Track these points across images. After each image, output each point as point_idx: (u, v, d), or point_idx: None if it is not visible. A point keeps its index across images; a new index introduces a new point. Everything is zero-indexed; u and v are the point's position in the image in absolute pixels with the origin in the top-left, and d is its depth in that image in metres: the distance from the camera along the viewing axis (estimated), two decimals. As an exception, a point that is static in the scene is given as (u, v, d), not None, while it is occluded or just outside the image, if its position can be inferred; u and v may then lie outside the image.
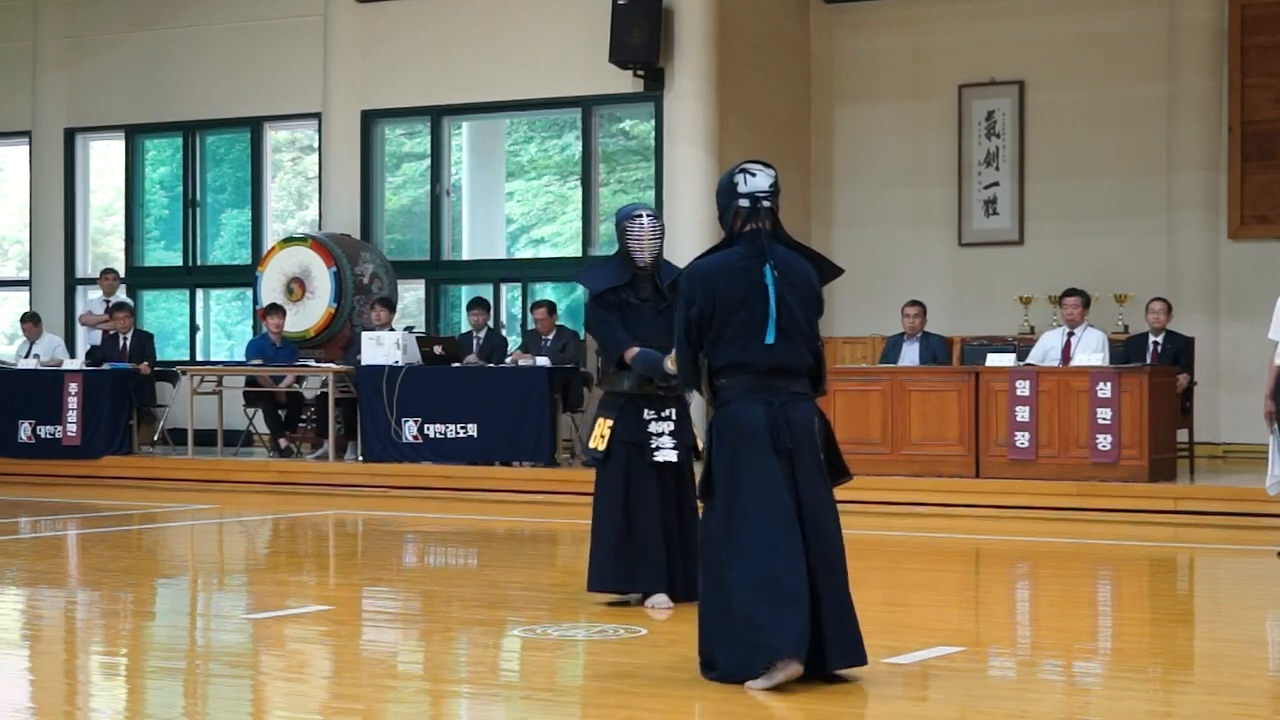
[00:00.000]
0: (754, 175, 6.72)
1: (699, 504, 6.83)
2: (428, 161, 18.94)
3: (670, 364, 8.03)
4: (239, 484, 16.08)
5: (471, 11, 18.41)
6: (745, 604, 6.42)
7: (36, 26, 20.63)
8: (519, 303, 18.76)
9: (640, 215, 8.35)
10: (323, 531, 12.93)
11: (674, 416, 8.37)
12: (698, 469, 6.97)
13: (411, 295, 19.31)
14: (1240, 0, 17.03)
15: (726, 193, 6.74)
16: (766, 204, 6.70)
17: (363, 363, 16.02)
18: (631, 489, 8.30)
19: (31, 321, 18.61)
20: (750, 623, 6.40)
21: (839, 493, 6.79)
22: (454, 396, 15.61)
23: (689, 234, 16.63)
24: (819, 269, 6.81)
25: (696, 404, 15.81)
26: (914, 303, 15.31)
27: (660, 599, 8.28)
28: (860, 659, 6.56)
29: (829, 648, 6.46)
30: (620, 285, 8.34)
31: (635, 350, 8.23)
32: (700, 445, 8.09)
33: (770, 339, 6.58)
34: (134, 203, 20.47)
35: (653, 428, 8.33)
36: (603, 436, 8.34)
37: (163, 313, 20.90)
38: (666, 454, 8.32)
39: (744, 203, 6.69)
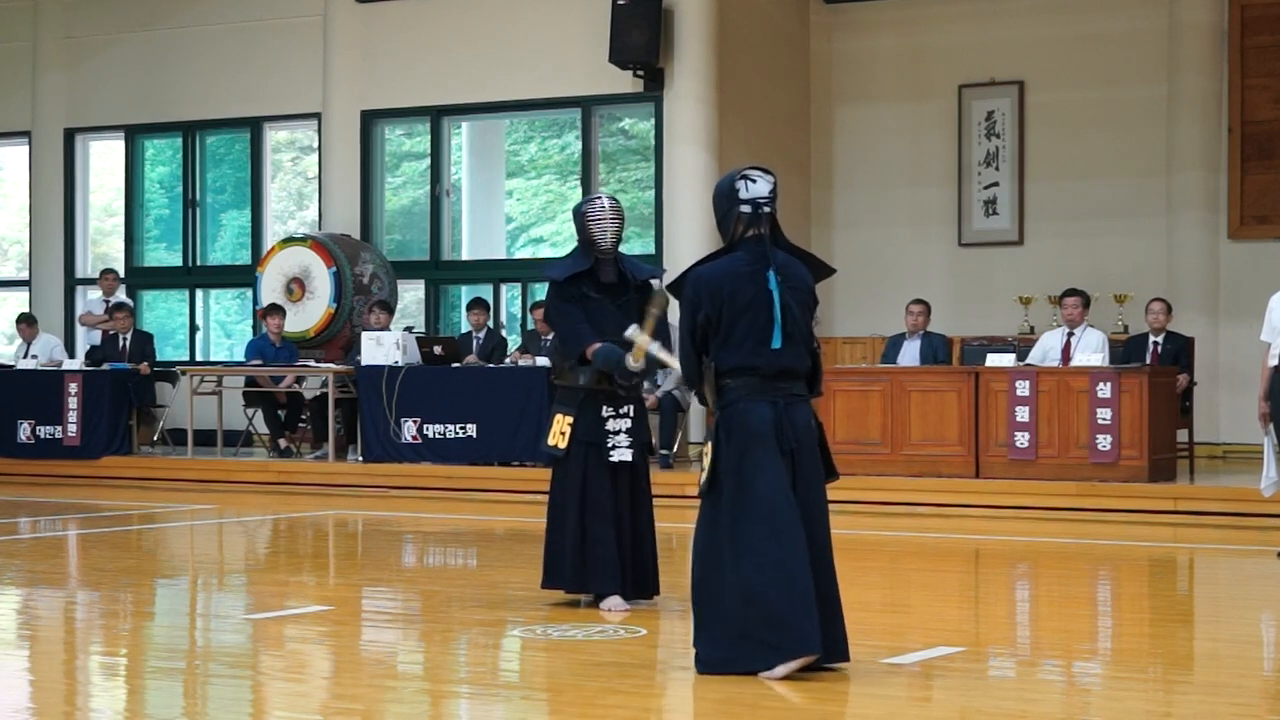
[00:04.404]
0: (755, 181, 6.79)
1: (700, 501, 6.85)
2: (427, 161, 18.94)
3: (632, 360, 7.99)
4: (239, 484, 16.07)
5: (471, 11, 18.41)
6: (761, 598, 6.49)
7: (36, 26, 20.63)
8: (519, 303, 18.77)
9: (599, 198, 8.33)
10: (323, 531, 12.93)
11: (631, 414, 8.30)
12: (692, 469, 6.96)
13: (411, 295, 19.31)
14: (1240, 0, 17.04)
15: (727, 198, 6.81)
16: (767, 210, 6.80)
17: (362, 363, 16.01)
18: (588, 490, 8.21)
19: (26, 323, 18.59)
20: (768, 616, 6.48)
21: (835, 491, 6.87)
22: (453, 397, 15.60)
23: (688, 234, 16.66)
24: (813, 270, 6.91)
25: (696, 412, 15.89)
26: (918, 301, 15.30)
27: (615, 601, 8.20)
28: (845, 656, 6.67)
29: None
30: (583, 272, 8.25)
31: (597, 346, 8.14)
32: (655, 442, 8.15)
33: (777, 344, 6.66)
34: (134, 203, 20.47)
35: (610, 425, 8.24)
36: (562, 434, 8.25)
37: (162, 313, 20.90)
38: (623, 454, 8.23)
39: (745, 209, 6.78)
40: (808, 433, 6.74)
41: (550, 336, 16.13)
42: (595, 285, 8.29)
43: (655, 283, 8.33)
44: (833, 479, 6.89)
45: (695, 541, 6.80)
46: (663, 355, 7.96)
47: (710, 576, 6.69)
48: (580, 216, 8.31)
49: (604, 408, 8.25)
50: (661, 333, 8.06)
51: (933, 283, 18.00)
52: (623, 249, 8.45)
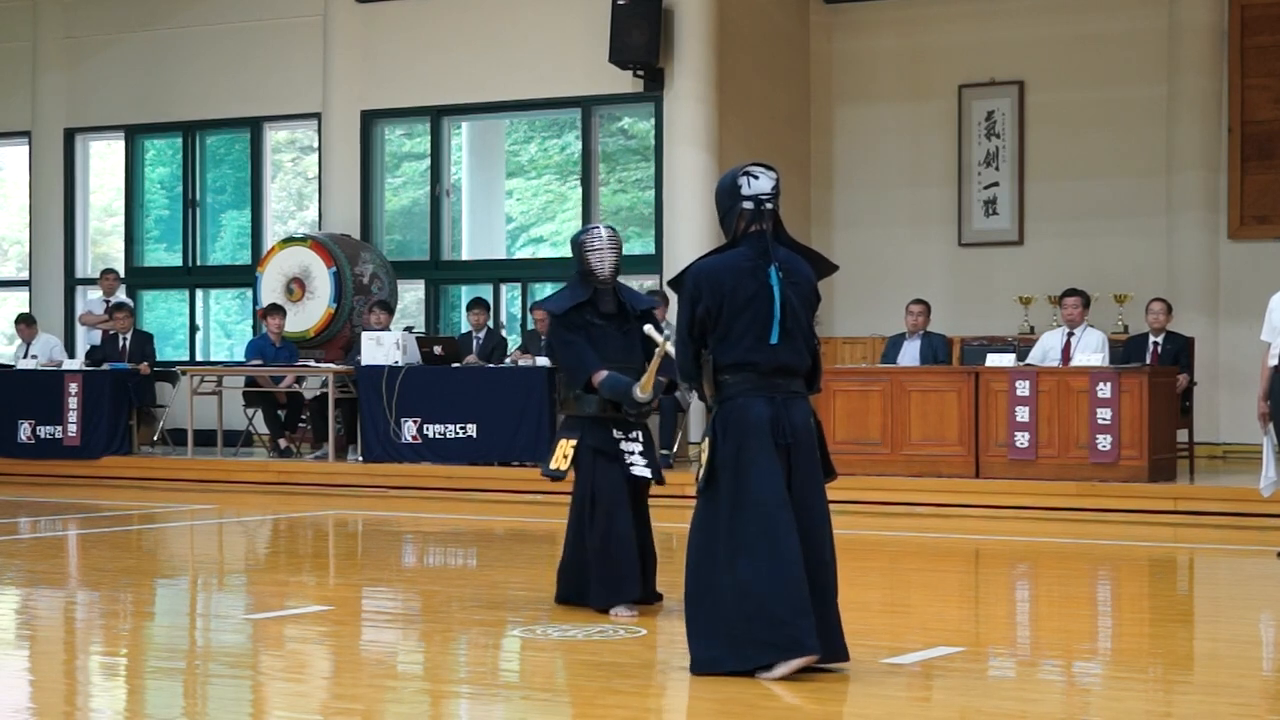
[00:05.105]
0: (757, 178, 6.77)
1: (696, 497, 6.83)
2: (428, 161, 18.94)
3: (639, 391, 7.95)
4: (239, 484, 16.07)
5: (471, 11, 18.42)
6: (757, 597, 6.47)
7: (36, 26, 20.63)
8: (519, 303, 18.77)
9: (596, 228, 8.29)
10: (323, 531, 12.93)
11: (640, 438, 8.27)
12: (692, 469, 6.95)
13: (411, 295, 19.31)
14: (1240, 0, 17.04)
15: (729, 194, 6.80)
16: (769, 206, 6.77)
17: (362, 363, 16.01)
18: (604, 496, 8.14)
19: (25, 323, 18.58)
20: (765, 615, 6.46)
21: (835, 491, 6.86)
22: (453, 397, 15.60)
23: (688, 234, 16.67)
24: (815, 267, 6.90)
25: (696, 412, 15.89)
26: (918, 301, 15.31)
27: (628, 612, 8.15)
28: (843, 655, 6.66)
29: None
30: (583, 303, 8.21)
31: (603, 375, 8.08)
32: (661, 469, 8.19)
33: (775, 339, 6.64)
34: (134, 203, 20.47)
35: (623, 445, 8.21)
36: (565, 456, 8.20)
37: (162, 313, 20.91)
38: (640, 470, 8.20)
39: (748, 205, 6.76)
40: (805, 430, 6.72)
41: (545, 342, 16.14)
42: (596, 314, 8.26)
43: (653, 333, 8.16)
44: (830, 478, 6.88)
45: (690, 539, 6.78)
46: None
47: (705, 575, 6.67)
48: (578, 246, 8.26)
49: (613, 431, 8.22)
50: (665, 370, 8.03)
51: (933, 283, 18.00)
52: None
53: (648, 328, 8.08)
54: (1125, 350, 14.73)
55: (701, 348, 6.77)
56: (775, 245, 6.76)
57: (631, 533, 8.16)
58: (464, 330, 17.05)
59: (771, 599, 6.46)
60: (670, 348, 7.58)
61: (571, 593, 8.32)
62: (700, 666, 6.65)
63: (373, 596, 9.30)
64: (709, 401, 6.82)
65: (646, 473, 8.23)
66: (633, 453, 8.23)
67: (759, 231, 6.75)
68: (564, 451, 8.24)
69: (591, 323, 8.23)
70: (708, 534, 6.69)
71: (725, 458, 6.66)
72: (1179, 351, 14.61)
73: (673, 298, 14.44)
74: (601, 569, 8.14)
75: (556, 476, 8.28)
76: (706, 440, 6.77)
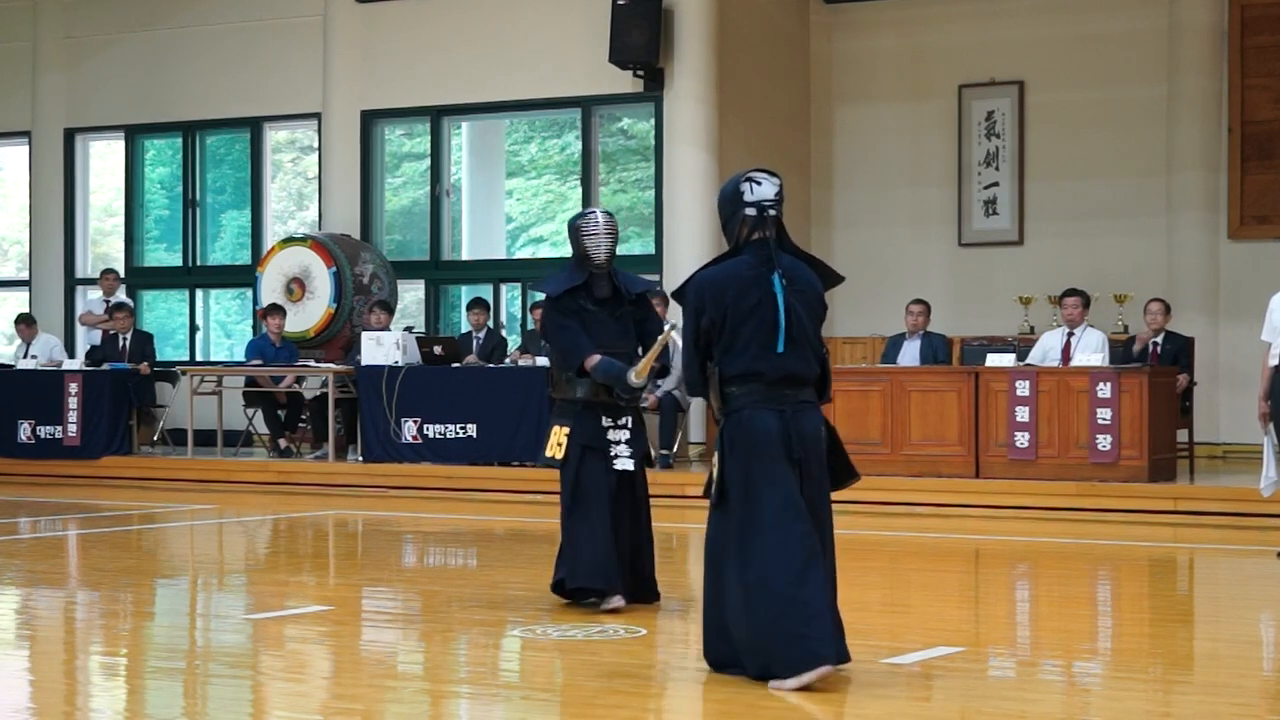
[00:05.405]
0: (760, 184, 6.71)
1: (709, 508, 6.79)
2: (427, 161, 18.94)
3: (634, 376, 7.96)
4: (239, 484, 16.07)
5: (471, 11, 18.41)
6: (769, 611, 6.40)
7: (36, 26, 20.63)
8: (519, 303, 18.77)
9: (593, 212, 8.33)
10: (323, 531, 12.93)
11: (630, 425, 8.28)
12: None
13: (411, 295, 19.31)
14: (1240, 0, 17.04)
15: (732, 201, 6.74)
16: (772, 212, 6.70)
17: (362, 363, 16.01)
18: (586, 491, 8.16)
19: (25, 323, 18.58)
20: (777, 629, 6.38)
21: (841, 493, 6.84)
22: (453, 397, 15.60)
23: (688, 234, 16.67)
24: (821, 276, 6.83)
25: (696, 412, 15.88)
26: (918, 301, 15.31)
27: (616, 600, 8.15)
28: (845, 658, 6.60)
29: None
30: (577, 287, 8.24)
31: (596, 359, 8.10)
32: (653, 454, 8.14)
33: (781, 348, 6.58)
34: (134, 203, 20.47)
35: (610, 435, 8.22)
36: (559, 444, 8.23)
37: (162, 313, 20.90)
38: (624, 463, 8.21)
39: (750, 211, 6.69)
40: (815, 442, 6.63)
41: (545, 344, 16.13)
42: (591, 299, 8.28)
43: (670, 330, 8.17)
44: (853, 480, 6.83)
45: (705, 551, 6.74)
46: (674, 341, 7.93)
47: (719, 584, 6.63)
48: (575, 231, 8.29)
49: (603, 418, 8.23)
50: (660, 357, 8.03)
51: (933, 283, 18.00)
52: (622, 249, 8.43)
53: (664, 334, 8.09)
54: (1125, 350, 14.72)
55: (707, 360, 6.71)
56: (779, 252, 6.67)
57: (609, 530, 8.15)
58: (464, 330, 17.05)
59: (783, 611, 6.37)
60: (675, 336, 7.59)
61: (561, 581, 8.34)
62: (716, 667, 6.64)
63: (373, 596, 9.30)
64: (717, 414, 6.78)
65: (629, 466, 8.23)
66: (619, 442, 8.23)
67: (762, 239, 6.68)
68: (558, 440, 8.27)
69: (585, 308, 8.26)
70: (720, 549, 6.65)
71: (734, 472, 6.59)
72: (1178, 351, 14.61)
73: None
74: (580, 558, 8.16)
75: (553, 464, 8.30)
76: (715, 455, 6.72)
